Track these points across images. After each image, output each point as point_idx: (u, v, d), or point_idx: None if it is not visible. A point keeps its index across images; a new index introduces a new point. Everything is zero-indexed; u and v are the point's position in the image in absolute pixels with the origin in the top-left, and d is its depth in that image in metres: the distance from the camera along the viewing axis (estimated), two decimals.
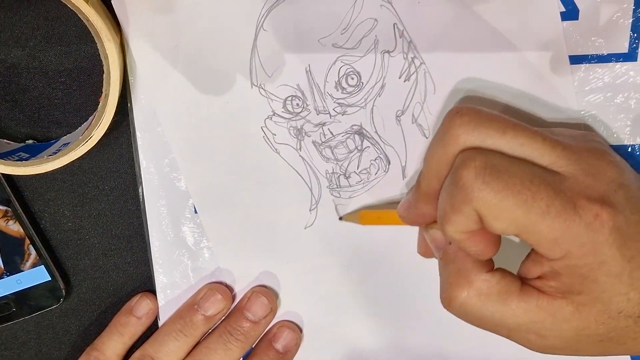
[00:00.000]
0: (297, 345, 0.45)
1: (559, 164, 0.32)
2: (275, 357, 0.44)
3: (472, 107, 0.33)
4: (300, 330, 0.45)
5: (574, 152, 0.33)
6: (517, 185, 0.31)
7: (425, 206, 0.36)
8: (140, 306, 0.44)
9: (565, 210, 0.31)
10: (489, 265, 0.34)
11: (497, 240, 0.34)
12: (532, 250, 0.34)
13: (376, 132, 0.41)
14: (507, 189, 0.31)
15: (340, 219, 0.43)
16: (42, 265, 0.43)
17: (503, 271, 0.34)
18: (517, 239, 0.41)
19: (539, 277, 0.34)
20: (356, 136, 0.41)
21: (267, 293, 0.44)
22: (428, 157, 0.35)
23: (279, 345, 0.44)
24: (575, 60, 0.40)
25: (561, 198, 0.31)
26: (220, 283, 0.44)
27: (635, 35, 0.39)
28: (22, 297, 0.44)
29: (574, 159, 0.32)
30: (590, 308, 0.32)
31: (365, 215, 0.42)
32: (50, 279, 0.44)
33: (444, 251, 0.36)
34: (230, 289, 0.44)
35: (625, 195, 0.32)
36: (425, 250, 0.39)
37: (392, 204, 0.42)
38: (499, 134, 0.32)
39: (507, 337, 0.34)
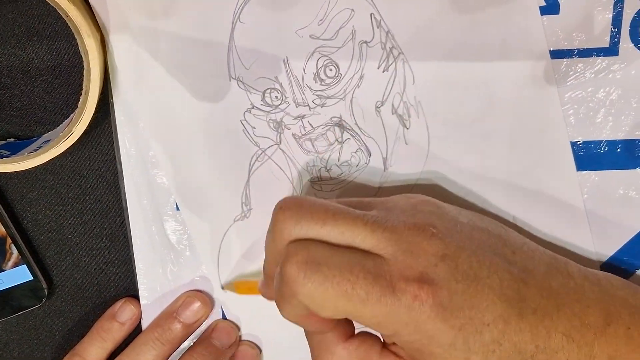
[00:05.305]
0: None
1: (380, 247, 0.33)
2: None
3: (294, 200, 0.34)
4: (260, 351, 0.45)
5: (394, 232, 0.33)
6: (337, 277, 0.32)
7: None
8: (124, 312, 0.44)
9: (385, 295, 0.31)
10: (348, 333, 0.36)
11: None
12: None
13: (356, 123, 0.41)
14: (327, 282, 0.32)
15: (222, 288, 0.44)
16: (24, 265, 0.43)
17: (363, 335, 0.36)
18: None
19: (393, 343, 0.35)
20: (336, 128, 0.41)
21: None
22: (265, 247, 0.36)
23: None
24: (557, 54, 0.40)
25: (380, 284, 0.31)
26: (199, 291, 0.44)
27: (616, 29, 0.39)
28: (4, 297, 0.43)
29: (394, 239, 0.32)
30: None
31: (240, 285, 0.43)
32: (32, 278, 0.43)
33: None
34: (209, 297, 0.44)
35: (448, 267, 0.32)
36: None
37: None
38: (319, 225, 0.33)
39: None
